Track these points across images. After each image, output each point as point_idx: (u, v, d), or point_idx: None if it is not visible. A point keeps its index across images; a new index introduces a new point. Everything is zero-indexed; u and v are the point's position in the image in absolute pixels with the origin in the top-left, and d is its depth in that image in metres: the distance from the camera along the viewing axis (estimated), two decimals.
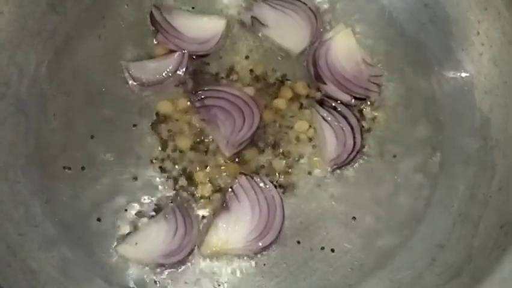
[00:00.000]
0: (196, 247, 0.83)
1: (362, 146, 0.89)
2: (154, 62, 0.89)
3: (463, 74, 0.89)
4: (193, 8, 0.95)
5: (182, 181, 0.86)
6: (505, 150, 0.82)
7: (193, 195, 0.86)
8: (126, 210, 0.85)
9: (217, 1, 0.96)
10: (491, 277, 0.68)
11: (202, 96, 0.88)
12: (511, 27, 0.83)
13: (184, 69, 0.90)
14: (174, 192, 0.85)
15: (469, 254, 0.78)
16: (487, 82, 0.87)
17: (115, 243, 0.83)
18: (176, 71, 0.89)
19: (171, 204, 0.84)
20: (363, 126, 0.90)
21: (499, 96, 0.85)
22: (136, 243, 0.82)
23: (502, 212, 0.77)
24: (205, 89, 0.88)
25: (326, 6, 0.97)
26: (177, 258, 0.82)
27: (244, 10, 0.95)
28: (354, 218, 0.86)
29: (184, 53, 0.89)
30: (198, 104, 0.87)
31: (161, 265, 0.82)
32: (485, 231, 0.79)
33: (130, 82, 0.88)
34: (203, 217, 0.85)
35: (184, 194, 0.86)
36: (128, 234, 0.84)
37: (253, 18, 0.94)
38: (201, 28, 0.92)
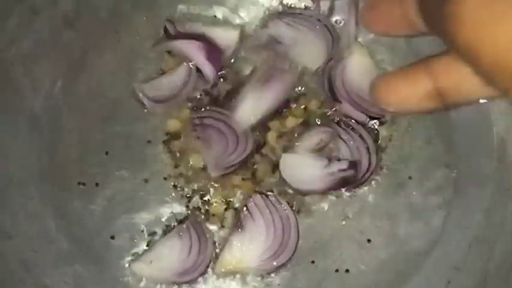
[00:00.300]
0: (209, 266, 0.82)
1: (378, 167, 0.88)
2: (165, 78, 0.89)
3: None
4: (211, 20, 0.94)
5: (196, 199, 0.86)
6: None
7: (207, 213, 0.85)
8: (140, 227, 0.84)
9: (234, 16, 0.95)
10: None
11: (203, 115, 0.87)
12: None
13: (193, 82, 0.89)
14: (188, 210, 0.85)
15: (484, 278, 0.78)
16: (503, 102, 0.86)
17: (129, 261, 0.83)
18: (187, 84, 0.88)
19: (186, 221, 0.84)
20: (379, 147, 0.89)
21: None
22: (151, 262, 0.82)
23: None
24: (208, 108, 0.88)
25: (342, 24, 0.96)
26: (191, 277, 0.82)
27: (259, 27, 0.94)
28: (369, 240, 0.85)
29: (191, 66, 0.88)
30: (196, 122, 0.87)
31: (175, 283, 0.82)
32: (501, 254, 0.79)
33: (146, 102, 0.87)
34: (217, 236, 0.84)
35: (198, 213, 0.85)
36: (142, 251, 0.83)
37: (269, 35, 0.94)
38: (215, 40, 0.91)
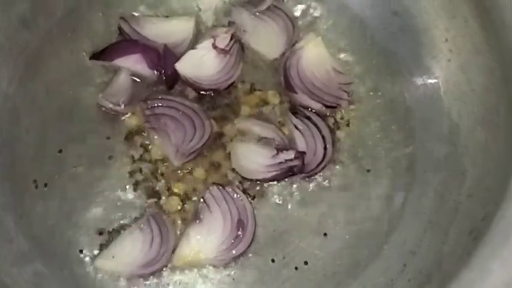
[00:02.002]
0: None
1: (335, 155, 0.89)
2: (116, 82, 0.90)
3: (432, 81, 0.90)
4: (166, 16, 0.96)
5: (156, 193, 0.86)
6: (474, 156, 0.83)
7: (165, 206, 0.85)
8: (99, 223, 0.85)
9: (191, 7, 0.96)
10: (457, 280, 0.68)
11: (153, 105, 0.88)
12: (478, 36, 0.83)
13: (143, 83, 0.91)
14: (147, 204, 0.86)
15: (439, 260, 0.78)
16: (456, 89, 0.88)
17: (91, 257, 0.84)
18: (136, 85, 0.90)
19: (146, 214, 0.84)
20: (336, 135, 0.90)
21: (467, 103, 0.86)
22: (113, 256, 0.82)
23: (471, 219, 0.78)
24: (157, 97, 0.89)
25: (298, 14, 0.97)
26: (155, 268, 0.82)
27: (222, 15, 0.96)
28: (326, 228, 0.86)
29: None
30: (147, 112, 0.88)
31: (139, 276, 0.82)
32: (455, 237, 0.79)
33: (110, 106, 0.89)
34: (177, 228, 0.85)
35: (157, 206, 0.86)
36: (103, 247, 0.84)
37: (231, 23, 0.95)
38: (171, 32, 0.93)
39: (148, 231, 0.83)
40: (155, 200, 0.86)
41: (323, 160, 0.88)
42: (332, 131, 0.90)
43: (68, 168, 0.87)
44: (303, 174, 0.87)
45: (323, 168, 0.87)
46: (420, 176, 0.87)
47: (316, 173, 0.87)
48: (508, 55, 0.77)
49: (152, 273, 0.82)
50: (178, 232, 0.85)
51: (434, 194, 0.85)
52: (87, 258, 0.84)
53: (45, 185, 0.86)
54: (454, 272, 0.69)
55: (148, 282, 0.83)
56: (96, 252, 0.84)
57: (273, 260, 0.84)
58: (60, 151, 0.87)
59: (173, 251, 0.83)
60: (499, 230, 0.68)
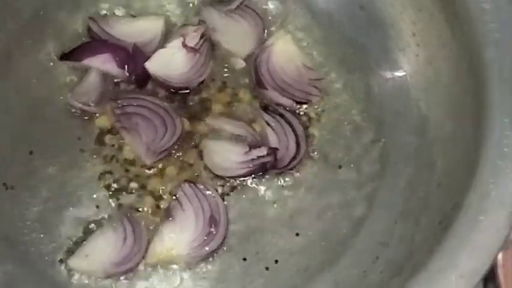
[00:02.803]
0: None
1: (308, 150, 0.90)
2: (86, 81, 0.90)
3: (401, 74, 0.91)
4: (135, 16, 0.96)
5: (128, 192, 0.86)
6: (443, 146, 0.84)
7: (138, 205, 0.85)
8: (72, 223, 0.85)
9: (160, 6, 0.97)
10: (426, 269, 0.69)
11: (123, 104, 0.88)
12: (443, 28, 0.84)
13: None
14: (120, 203, 0.86)
15: (410, 251, 0.79)
16: (424, 81, 0.89)
17: (64, 257, 0.83)
18: (105, 83, 0.90)
19: (119, 213, 0.84)
20: (309, 131, 0.91)
21: (435, 95, 0.87)
22: (87, 256, 0.82)
23: (440, 208, 0.78)
24: (127, 96, 0.89)
25: (268, 12, 0.98)
26: (128, 266, 0.82)
27: (192, 14, 0.96)
28: (298, 221, 0.86)
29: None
30: (118, 112, 0.88)
31: (113, 274, 0.82)
32: (426, 227, 0.80)
33: (86, 108, 0.89)
34: (150, 226, 0.85)
35: (130, 205, 0.85)
36: (76, 247, 0.83)
37: (201, 21, 0.95)
38: (141, 32, 0.93)
39: (121, 230, 0.83)
40: (128, 199, 0.85)
41: (295, 156, 0.88)
42: (305, 127, 0.90)
43: (39, 169, 0.86)
44: (276, 170, 0.87)
45: (296, 164, 0.87)
46: (391, 168, 0.88)
47: (291, 169, 0.87)
48: (473, 46, 0.78)
49: (126, 271, 0.82)
50: (151, 229, 0.84)
51: (405, 186, 0.86)
52: (59, 258, 0.83)
53: (15, 186, 0.85)
54: (424, 262, 0.70)
55: (122, 278, 0.82)
56: (69, 252, 0.83)
57: (244, 259, 0.85)
58: (31, 152, 0.87)
59: (146, 249, 0.83)
60: (467, 219, 0.69)
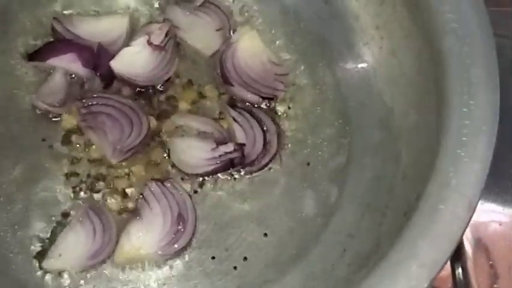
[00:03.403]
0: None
1: (278, 146, 0.90)
2: (50, 82, 0.89)
3: (365, 66, 0.92)
4: (99, 14, 0.96)
5: (95, 192, 0.86)
6: (407, 139, 0.84)
7: (105, 204, 0.85)
8: (40, 225, 0.84)
9: (124, 5, 0.97)
10: (387, 260, 0.69)
11: (88, 103, 0.88)
12: (406, 21, 0.85)
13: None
14: (87, 201, 0.85)
15: (377, 242, 0.79)
16: (388, 73, 0.89)
17: (36, 261, 0.83)
18: (71, 84, 0.90)
19: (83, 207, 0.84)
20: (278, 126, 0.91)
21: (399, 87, 0.87)
22: (60, 255, 0.82)
23: (405, 200, 0.79)
24: (93, 95, 0.89)
25: (232, 8, 0.98)
26: (103, 256, 0.82)
27: (156, 13, 0.96)
28: (267, 216, 0.87)
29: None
30: (83, 111, 0.87)
31: (89, 267, 0.82)
32: (391, 219, 0.80)
33: (49, 109, 0.88)
34: (118, 225, 0.85)
35: (97, 204, 0.85)
36: (45, 248, 0.83)
37: (166, 20, 0.95)
38: (105, 30, 0.93)
39: (88, 223, 0.83)
40: (95, 198, 0.85)
41: (263, 151, 0.88)
42: (276, 124, 0.90)
43: (4, 172, 0.85)
44: (245, 167, 0.88)
45: (269, 161, 0.88)
46: (358, 161, 0.89)
47: (262, 166, 0.88)
48: (433, 36, 0.78)
49: (101, 262, 0.82)
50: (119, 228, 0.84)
51: (371, 177, 0.87)
52: (30, 260, 0.83)
53: None
54: (390, 253, 0.70)
55: (89, 275, 0.82)
56: (38, 253, 0.83)
57: (213, 257, 0.85)
58: None
59: (117, 237, 0.83)
60: (427, 209, 0.69)
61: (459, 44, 0.75)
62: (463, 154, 0.70)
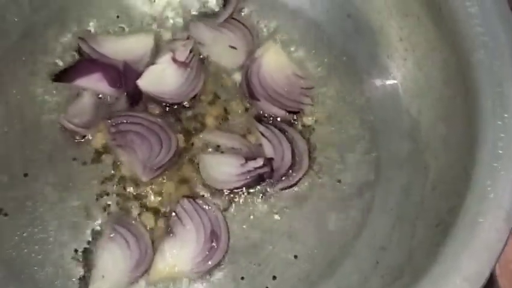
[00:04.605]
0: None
1: (307, 160, 0.90)
2: (78, 103, 0.90)
3: (390, 81, 0.92)
4: (122, 29, 0.97)
5: (127, 211, 0.86)
6: (435, 150, 0.85)
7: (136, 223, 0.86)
8: (73, 245, 0.85)
9: (149, 22, 0.97)
10: (429, 274, 0.70)
11: (117, 122, 0.88)
12: (431, 33, 0.86)
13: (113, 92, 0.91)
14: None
15: (409, 254, 0.80)
16: (414, 86, 0.90)
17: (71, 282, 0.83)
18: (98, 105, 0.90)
19: (109, 224, 0.84)
20: (309, 144, 0.91)
21: (426, 99, 0.88)
22: (103, 276, 0.82)
23: (436, 211, 0.80)
24: (121, 114, 0.89)
25: (256, 23, 0.98)
26: (147, 265, 0.83)
27: (180, 30, 0.97)
28: (297, 230, 0.87)
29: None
30: (112, 130, 0.88)
31: (135, 279, 0.83)
32: (422, 230, 0.81)
33: (76, 130, 0.89)
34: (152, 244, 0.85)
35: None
36: (85, 271, 0.83)
37: (190, 36, 0.95)
38: (130, 49, 0.93)
39: (118, 237, 0.83)
40: (127, 217, 0.85)
41: (293, 166, 0.88)
42: (304, 138, 0.91)
43: (36, 192, 0.86)
44: (277, 183, 0.88)
45: (302, 176, 0.89)
46: (385, 174, 0.89)
47: (295, 182, 0.89)
48: (461, 50, 0.79)
49: (146, 271, 0.83)
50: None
51: (400, 190, 0.87)
52: (69, 283, 0.83)
53: (12, 211, 0.85)
54: (425, 265, 0.71)
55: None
56: (80, 280, 0.83)
57: (247, 271, 0.85)
58: (25, 175, 0.86)
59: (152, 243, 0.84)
60: (466, 222, 0.70)
61: (490, 58, 0.76)
62: (499, 167, 0.71)
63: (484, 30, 0.78)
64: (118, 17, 0.97)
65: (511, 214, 0.69)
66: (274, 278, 0.85)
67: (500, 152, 0.72)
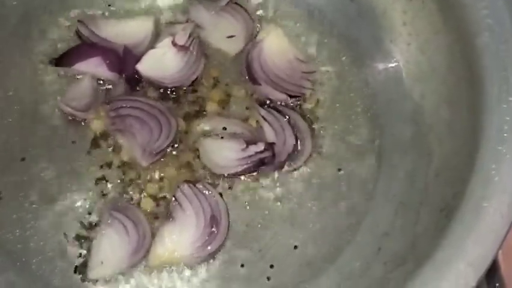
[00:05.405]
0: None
1: (310, 145, 0.89)
2: (76, 87, 0.89)
3: (393, 64, 0.91)
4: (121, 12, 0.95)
5: (127, 195, 0.85)
6: (439, 135, 0.84)
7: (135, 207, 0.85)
8: (73, 230, 0.84)
9: (149, 6, 0.96)
10: (432, 260, 0.69)
11: (117, 106, 0.87)
12: (435, 16, 0.84)
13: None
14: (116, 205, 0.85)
15: (412, 241, 0.79)
16: (417, 70, 0.89)
17: (80, 273, 0.82)
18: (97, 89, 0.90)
19: (106, 209, 0.84)
20: (311, 128, 0.90)
21: (429, 83, 0.87)
22: (102, 262, 0.81)
23: (440, 196, 0.79)
24: (121, 98, 0.88)
25: (256, 7, 0.97)
26: (145, 250, 0.82)
27: (180, 13, 0.95)
28: (299, 216, 0.86)
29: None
30: (112, 114, 0.87)
31: (135, 264, 0.82)
32: (426, 216, 0.80)
33: (75, 113, 0.88)
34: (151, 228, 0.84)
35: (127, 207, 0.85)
36: (85, 257, 0.82)
37: (190, 20, 0.94)
38: (131, 32, 0.92)
39: (116, 223, 0.82)
40: (127, 202, 0.84)
41: (295, 151, 0.87)
42: (307, 123, 0.90)
43: (35, 176, 0.85)
44: (278, 167, 0.87)
45: (305, 161, 0.88)
46: (389, 159, 0.88)
47: (297, 166, 0.88)
48: (466, 33, 0.78)
49: (145, 256, 0.82)
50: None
51: (404, 176, 0.86)
52: (71, 271, 0.82)
53: (8, 194, 0.84)
54: (428, 251, 0.70)
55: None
56: (80, 265, 0.82)
57: (247, 257, 0.84)
58: (23, 159, 0.86)
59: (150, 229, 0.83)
60: (470, 207, 0.69)
61: (495, 41, 0.75)
62: (504, 151, 0.70)
63: (489, 13, 0.76)
64: None
65: None
66: (274, 264, 0.84)
67: (506, 135, 0.71)
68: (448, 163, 0.80)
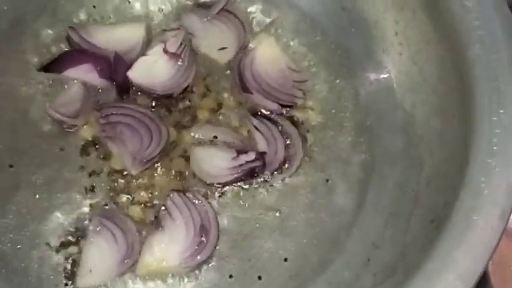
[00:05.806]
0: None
1: (300, 154, 0.89)
2: (66, 94, 0.88)
3: (385, 75, 0.91)
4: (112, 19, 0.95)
5: (116, 203, 0.85)
6: (430, 145, 0.84)
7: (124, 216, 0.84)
8: (59, 238, 0.83)
9: (140, 13, 0.96)
10: (422, 271, 0.68)
11: (107, 113, 0.87)
12: (426, 26, 0.84)
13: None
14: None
15: (402, 251, 0.79)
16: (408, 80, 0.89)
17: (68, 282, 0.82)
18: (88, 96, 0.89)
19: (95, 217, 0.83)
20: (303, 138, 0.90)
21: (420, 93, 0.87)
22: (91, 270, 0.80)
23: (431, 207, 0.78)
24: (111, 105, 0.88)
25: (248, 16, 0.97)
26: (135, 257, 0.81)
27: (171, 21, 0.95)
28: (288, 226, 0.86)
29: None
30: (102, 121, 0.86)
31: (124, 272, 0.81)
32: (417, 227, 0.80)
33: (64, 120, 0.87)
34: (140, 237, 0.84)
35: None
36: (73, 266, 0.82)
37: (181, 27, 0.94)
38: (122, 39, 0.91)
39: (105, 231, 0.81)
40: (116, 211, 0.84)
41: (287, 160, 0.87)
42: (299, 132, 0.89)
43: (20, 184, 0.84)
44: (265, 175, 0.87)
45: (296, 170, 0.87)
46: (379, 169, 0.88)
47: (289, 175, 0.87)
48: (457, 44, 0.78)
49: (134, 263, 0.81)
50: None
51: (393, 186, 0.86)
52: (60, 280, 0.81)
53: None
54: (418, 262, 0.69)
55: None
56: (70, 274, 0.82)
57: (235, 267, 0.84)
58: (11, 166, 0.85)
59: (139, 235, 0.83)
60: (460, 218, 0.68)
61: (486, 52, 0.75)
62: (494, 164, 0.70)
63: (480, 24, 0.76)
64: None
65: (506, 211, 0.68)
66: (262, 276, 0.84)
67: (495, 148, 0.70)
68: (439, 170, 0.80)
